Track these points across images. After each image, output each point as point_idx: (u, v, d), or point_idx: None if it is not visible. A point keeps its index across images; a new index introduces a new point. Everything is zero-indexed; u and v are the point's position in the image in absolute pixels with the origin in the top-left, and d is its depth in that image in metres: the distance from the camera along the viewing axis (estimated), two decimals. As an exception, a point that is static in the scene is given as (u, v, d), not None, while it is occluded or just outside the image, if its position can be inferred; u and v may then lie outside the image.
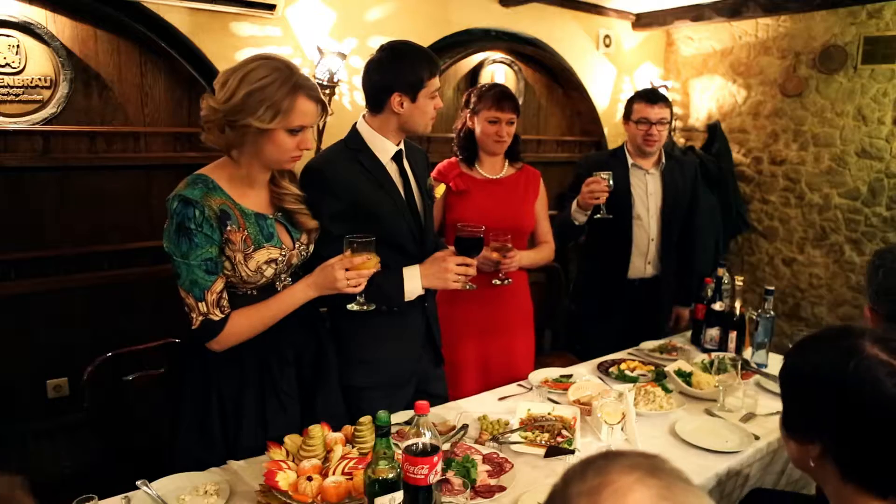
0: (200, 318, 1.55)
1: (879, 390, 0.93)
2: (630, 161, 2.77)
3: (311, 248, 1.77)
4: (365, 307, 1.74)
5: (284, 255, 1.67)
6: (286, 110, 1.54)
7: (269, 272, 1.64)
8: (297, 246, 1.71)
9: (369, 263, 1.65)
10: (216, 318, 1.56)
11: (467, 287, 1.91)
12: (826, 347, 1.01)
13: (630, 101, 2.76)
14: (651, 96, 2.74)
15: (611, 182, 2.44)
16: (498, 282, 2.21)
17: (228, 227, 1.57)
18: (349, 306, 1.73)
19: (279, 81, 1.53)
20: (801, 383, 1.04)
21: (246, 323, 1.61)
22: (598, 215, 2.50)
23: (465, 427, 1.83)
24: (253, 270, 1.61)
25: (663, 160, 2.79)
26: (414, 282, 1.86)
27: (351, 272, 1.63)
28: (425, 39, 3.57)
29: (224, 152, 1.62)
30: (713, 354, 2.17)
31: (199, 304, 1.55)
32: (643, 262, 2.78)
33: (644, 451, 0.72)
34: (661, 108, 2.68)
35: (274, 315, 1.64)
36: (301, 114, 1.57)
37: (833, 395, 0.98)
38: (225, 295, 1.59)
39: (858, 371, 0.95)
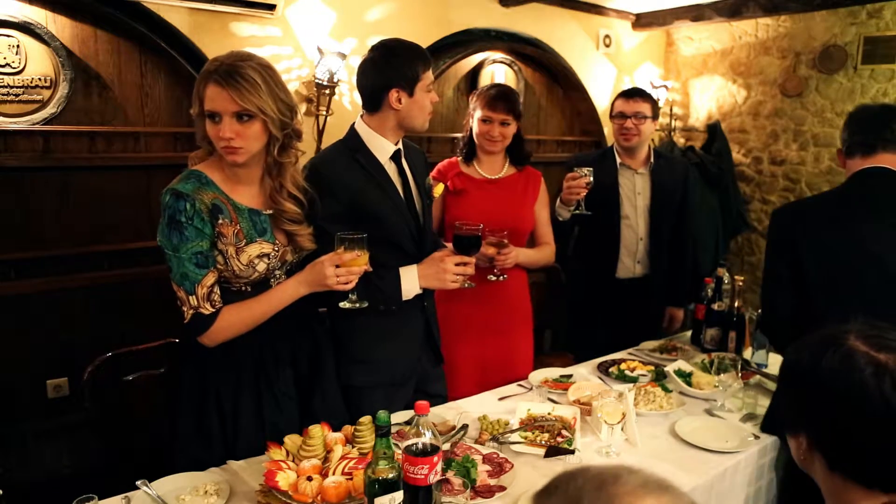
0: (191, 311, 1.56)
1: (854, 380, 0.94)
2: (618, 160, 2.77)
3: None
4: (357, 305, 1.73)
5: (277, 251, 1.67)
6: (199, 97, 1.56)
7: (261, 267, 1.64)
8: (290, 243, 1.71)
9: (360, 260, 1.64)
10: (206, 312, 1.56)
11: (465, 285, 1.91)
12: (813, 342, 1.03)
13: (614, 100, 2.80)
14: (629, 91, 2.77)
15: (590, 179, 2.43)
16: (493, 277, 2.20)
17: (220, 221, 1.57)
18: (341, 304, 1.73)
19: (203, 71, 1.57)
20: (786, 377, 1.07)
21: (237, 318, 1.61)
22: (577, 211, 2.50)
23: (465, 427, 1.83)
24: (245, 264, 1.61)
25: (652, 160, 2.78)
26: (411, 281, 1.86)
27: (341, 269, 1.63)
28: (425, 39, 3.57)
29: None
30: (713, 354, 2.17)
31: (190, 297, 1.55)
32: (632, 261, 2.78)
33: (660, 482, 0.67)
34: (637, 103, 2.68)
35: (265, 311, 1.64)
36: (208, 98, 1.55)
37: (810, 385, 1.00)
38: (216, 290, 1.59)
39: (833, 361, 0.96)
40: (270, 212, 1.68)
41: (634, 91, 2.77)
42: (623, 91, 2.81)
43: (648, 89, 4.57)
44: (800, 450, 1.04)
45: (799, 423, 1.03)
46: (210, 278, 1.57)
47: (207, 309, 1.57)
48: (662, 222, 2.79)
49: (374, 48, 1.88)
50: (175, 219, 1.54)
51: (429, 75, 1.88)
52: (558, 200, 2.54)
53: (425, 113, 1.90)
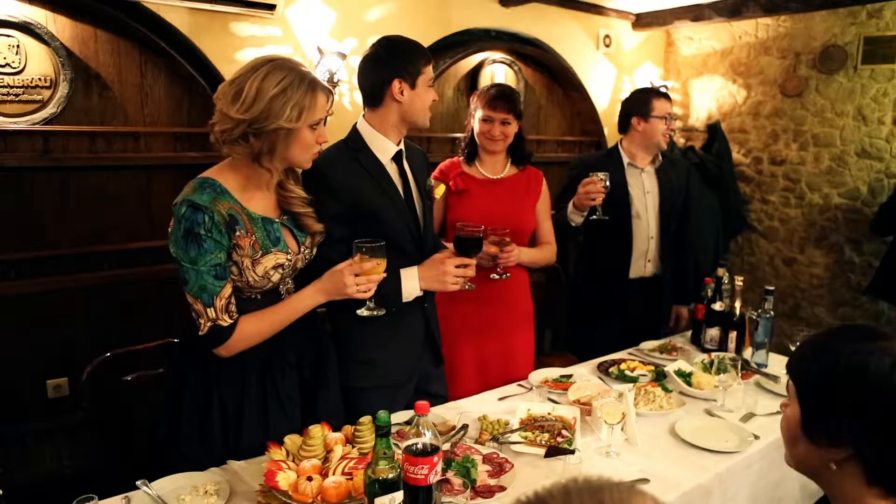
0: (209, 324, 1.55)
1: None
2: (626, 160, 2.76)
3: (315, 251, 1.77)
4: (375, 312, 1.74)
5: (291, 260, 1.67)
6: (309, 107, 1.57)
7: (275, 277, 1.64)
8: (302, 250, 1.71)
9: (379, 268, 1.65)
10: (225, 324, 1.56)
11: (466, 287, 1.91)
12: (860, 349, 0.98)
13: (647, 98, 2.73)
14: (666, 93, 2.82)
15: (607, 183, 2.43)
16: (496, 276, 2.21)
17: (237, 233, 1.56)
18: (359, 312, 1.73)
19: (297, 80, 1.55)
20: (834, 386, 1.00)
21: (254, 329, 1.61)
22: (594, 216, 2.49)
23: (465, 427, 1.83)
24: (260, 276, 1.61)
25: (660, 158, 2.79)
26: (411, 283, 1.86)
27: (360, 277, 1.63)
28: (425, 39, 3.56)
29: (253, 161, 1.59)
30: (713, 354, 2.17)
31: (208, 309, 1.54)
32: (643, 260, 2.77)
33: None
34: (670, 103, 2.77)
35: (282, 321, 1.65)
36: (320, 108, 1.60)
37: (873, 397, 0.96)
38: (233, 300, 1.58)
39: None
40: (282, 218, 1.69)
41: (665, 92, 2.87)
42: (659, 92, 2.87)
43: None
44: (826, 460, 1.01)
45: (844, 434, 0.98)
46: (227, 289, 1.56)
47: (226, 321, 1.56)
48: (671, 221, 2.79)
49: (375, 44, 1.89)
50: (193, 231, 1.51)
51: (429, 70, 1.89)
52: (570, 205, 2.52)
53: (426, 107, 1.91)
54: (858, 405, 0.97)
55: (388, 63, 1.84)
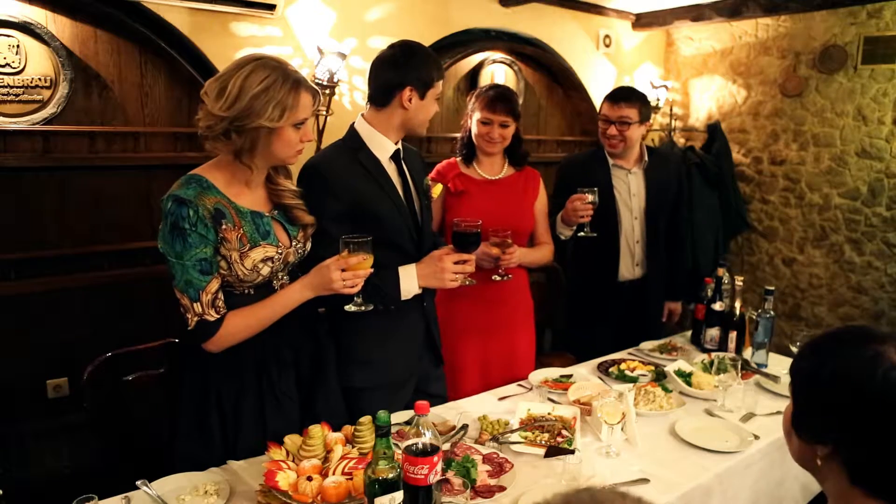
0: (196, 318, 1.55)
1: None
2: (610, 161, 2.72)
3: (308, 245, 1.77)
4: (363, 308, 1.74)
5: (281, 253, 1.67)
6: (292, 106, 1.57)
7: (265, 270, 1.64)
8: (293, 244, 1.72)
9: (365, 264, 1.65)
10: (211, 319, 1.56)
11: (467, 282, 1.91)
12: (849, 353, 1.00)
13: (603, 101, 2.73)
14: (615, 94, 2.67)
15: (596, 199, 2.40)
16: (498, 277, 2.20)
17: (224, 226, 1.57)
18: (347, 307, 1.73)
19: (280, 80, 1.56)
20: (820, 386, 1.03)
21: (242, 323, 1.61)
22: (582, 233, 2.46)
23: (465, 427, 1.83)
24: (249, 269, 1.61)
25: (646, 157, 2.75)
26: (410, 281, 1.86)
27: (347, 272, 1.64)
28: (425, 39, 3.56)
29: (234, 157, 1.60)
30: (713, 354, 2.17)
31: (195, 304, 1.55)
32: (631, 263, 2.76)
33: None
34: (622, 108, 2.59)
35: (270, 316, 1.65)
36: (304, 107, 1.61)
37: (856, 401, 0.97)
38: (220, 295, 1.59)
39: (887, 380, 0.95)
40: (273, 213, 1.69)
41: (620, 94, 2.66)
42: (610, 93, 2.71)
43: (648, 89, 4.58)
44: (814, 456, 1.03)
45: (826, 433, 1.01)
46: (214, 284, 1.57)
47: (212, 315, 1.57)
48: (659, 221, 2.77)
49: (395, 46, 1.91)
50: (178, 225, 1.53)
51: (440, 85, 1.92)
52: (559, 219, 2.50)
53: (428, 118, 1.94)
54: (837, 407, 1.00)
55: (404, 68, 1.85)
